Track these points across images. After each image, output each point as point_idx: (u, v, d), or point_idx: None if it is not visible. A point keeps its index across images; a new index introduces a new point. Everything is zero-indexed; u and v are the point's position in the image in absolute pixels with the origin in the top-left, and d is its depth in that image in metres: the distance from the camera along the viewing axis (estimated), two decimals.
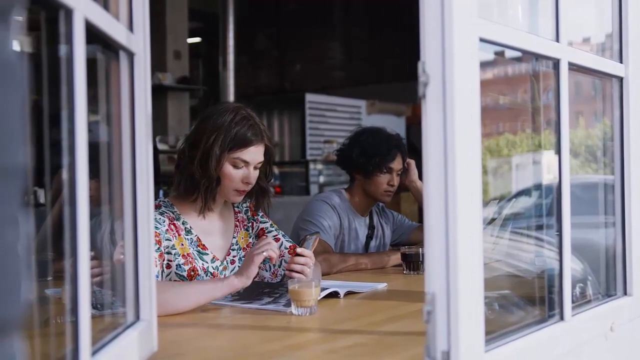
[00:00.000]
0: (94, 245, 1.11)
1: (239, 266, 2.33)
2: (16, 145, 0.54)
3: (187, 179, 2.24)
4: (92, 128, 1.12)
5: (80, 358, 1.02)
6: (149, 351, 1.42)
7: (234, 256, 2.36)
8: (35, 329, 1.17)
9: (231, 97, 8.81)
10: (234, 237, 2.38)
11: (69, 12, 1.02)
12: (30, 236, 0.59)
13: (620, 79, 1.85)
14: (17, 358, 0.56)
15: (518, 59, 1.78)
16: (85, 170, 1.04)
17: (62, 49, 1.05)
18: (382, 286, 2.38)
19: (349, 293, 2.21)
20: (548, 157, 1.94)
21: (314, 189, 7.46)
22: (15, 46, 0.55)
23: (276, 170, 7.85)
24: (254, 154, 2.24)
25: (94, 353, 1.11)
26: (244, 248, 2.39)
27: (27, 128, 0.56)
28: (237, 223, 2.42)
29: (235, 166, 2.23)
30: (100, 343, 1.20)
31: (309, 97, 8.34)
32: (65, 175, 1.04)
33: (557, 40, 1.55)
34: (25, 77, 0.56)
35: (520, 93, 2.15)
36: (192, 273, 2.21)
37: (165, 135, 7.40)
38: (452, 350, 1.18)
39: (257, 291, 2.12)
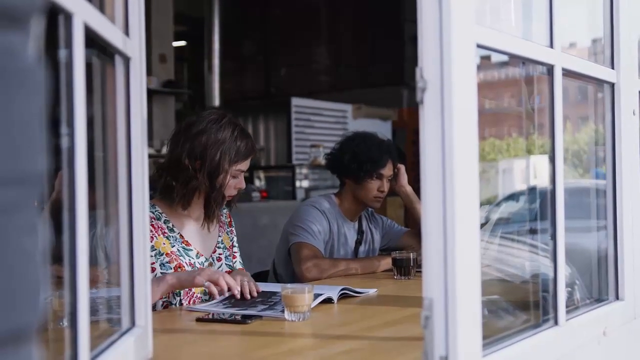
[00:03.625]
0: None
1: (226, 264, 2.45)
2: (35, 151, 0.53)
3: (191, 191, 2.29)
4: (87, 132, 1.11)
5: None
6: (144, 357, 1.41)
7: (219, 254, 2.44)
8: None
9: (216, 102, 8.79)
10: (219, 236, 2.47)
11: (68, 17, 1.01)
12: (47, 243, 0.58)
13: (612, 85, 1.86)
14: None
15: (504, 64, 1.79)
16: (84, 175, 1.04)
17: (61, 53, 1.04)
18: (372, 292, 2.38)
19: (343, 295, 2.22)
20: (536, 162, 1.95)
21: (300, 193, 7.44)
22: (34, 53, 0.54)
23: (262, 174, 7.83)
24: (249, 162, 2.39)
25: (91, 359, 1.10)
26: (228, 248, 2.48)
27: (45, 134, 0.56)
28: (221, 224, 2.51)
29: (234, 177, 2.34)
30: (97, 350, 1.19)
31: (295, 102, 8.33)
32: (63, 179, 1.04)
33: (551, 46, 1.55)
34: (44, 84, 0.55)
35: (506, 98, 2.16)
36: (179, 270, 2.26)
37: (150, 139, 7.37)
38: (450, 355, 1.18)
39: (248, 301, 2.12)
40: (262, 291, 2.25)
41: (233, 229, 2.56)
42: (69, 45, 1.03)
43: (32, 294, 0.54)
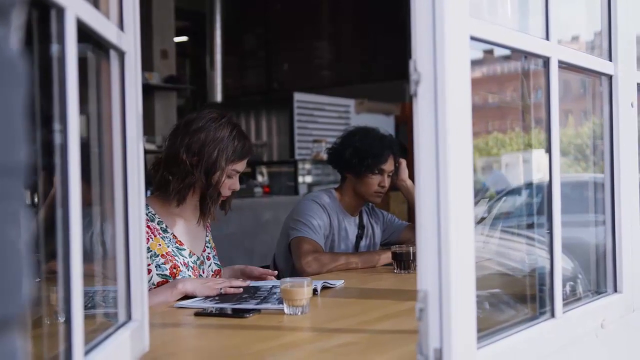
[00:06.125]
0: (83, 246, 1.11)
1: (214, 263, 2.49)
2: (18, 143, 0.54)
3: (187, 187, 2.32)
4: (81, 128, 1.12)
5: (74, 358, 1.01)
6: (141, 351, 1.42)
7: (208, 253, 2.49)
8: (26, 329, 1.17)
9: (218, 97, 8.79)
10: (207, 236, 2.51)
11: (60, 11, 1.01)
12: (31, 234, 0.59)
13: (610, 77, 1.86)
14: (18, 355, 0.56)
15: (507, 58, 1.78)
16: (77, 171, 1.04)
17: (53, 48, 1.04)
18: (339, 283, 2.41)
19: (324, 288, 2.27)
20: (537, 156, 1.95)
21: (302, 188, 7.45)
22: (16, 45, 0.55)
23: (264, 170, 7.84)
24: (245, 164, 2.41)
25: (86, 353, 1.10)
26: (213, 248, 2.53)
27: (28, 126, 0.56)
28: (208, 224, 2.54)
29: (229, 176, 2.36)
30: (93, 343, 1.19)
31: (297, 97, 8.32)
32: (56, 176, 1.04)
33: (547, 38, 1.55)
34: (26, 76, 0.56)
35: (510, 92, 2.16)
36: (175, 270, 2.29)
37: (152, 135, 7.37)
38: (444, 347, 1.19)
39: (237, 296, 2.12)
40: (247, 287, 2.26)
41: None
42: (61, 40, 1.03)
43: (16, 284, 0.55)
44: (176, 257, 2.31)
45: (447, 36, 1.18)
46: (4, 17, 0.52)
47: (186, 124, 2.35)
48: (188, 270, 2.32)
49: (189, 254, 2.37)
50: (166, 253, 2.29)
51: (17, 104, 0.53)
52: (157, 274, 2.25)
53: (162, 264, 2.26)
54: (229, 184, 2.37)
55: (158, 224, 2.33)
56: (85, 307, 1.19)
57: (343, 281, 2.44)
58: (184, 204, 2.36)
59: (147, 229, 2.26)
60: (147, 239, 2.25)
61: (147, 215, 2.30)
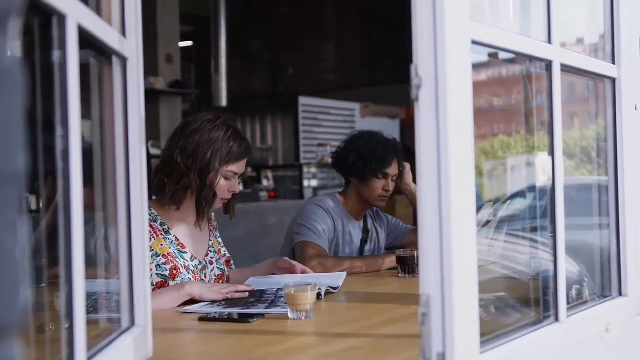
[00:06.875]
0: (87, 251, 1.11)
1: (217, 267, 2.48)
2: (15, 150, 0.54)
3: (183, 189, 2.31)
4: (84, 134, 1.12)
5: None
6: (144, 357, 1.42)
7: (211, 257, 2.48)
8: (30, 335, 1.17)
9: (224, 102, 8.79)
10: (210, 240, 2.50)
11: (62, 18, 1.02)
12: (29, 241, 0.59)
13: (613, 80, 1.85)
14: None
15: (512, 61, 1.78)
16: (79, 177, 1.04)
17: (55, 55, 1.05)
18: (342, 276, 2.45)
19: (328, 293, 2.27)
20: (543, 159, 1.94)
21: (308, 192, 7.45)
22: (13, 52, 0.55)
23: (270, 174, 7.84)
24: (243, 166, 2.40)
25: (89, 358, 1.11)
26: (217, 251, 2.52)
27: (25, 134, 0.56)
28: (211, 228, 2.54)
29: (226, 178, 2.35)
30: (96, 348, 1.19)
31: (303, 101, 8.33)
32: (59, 181, 1.04)
33: (550, 41, 1.55)
34: (23, 83, 0.56)
35: (515, 95, 2.15)
36: (175, 272, 2.29)
37: (157, 140, 7.37)
38: (447, 352, 1.19)
39: (243, 300, 2.12)
40: (254, 291, 2.25)
41: (217, 233, 2.60)
42: (62, 46, 1.03)
43: (12, 291, 0.55)
44: (177, 259, 2.31)
45: (448, 40, 1.18)
46: (1, 25, 0.53)
47: (183, 127, 2.36)
48: (188, 273, 2.31)
49: (191, 258, 2.36)
50: (167, 254, 2.29)
51: (14, 111, 0.54)
52: (156, 274, 2.25)
53: (163, 264, 2.26)
54: (228, 186, 2.36)
55: (160, 225, 2.33)
56: (88, 312, 1.19)
57: (345, 273, 2.48)
58: (184, 207, 2.35)
59: (149, 228, 2.26)
60: (149, 238, 2.25)
61: (150, 216, 2.30)
